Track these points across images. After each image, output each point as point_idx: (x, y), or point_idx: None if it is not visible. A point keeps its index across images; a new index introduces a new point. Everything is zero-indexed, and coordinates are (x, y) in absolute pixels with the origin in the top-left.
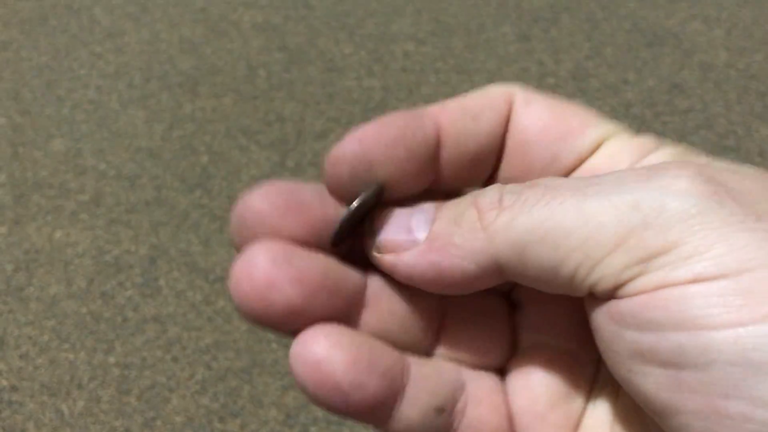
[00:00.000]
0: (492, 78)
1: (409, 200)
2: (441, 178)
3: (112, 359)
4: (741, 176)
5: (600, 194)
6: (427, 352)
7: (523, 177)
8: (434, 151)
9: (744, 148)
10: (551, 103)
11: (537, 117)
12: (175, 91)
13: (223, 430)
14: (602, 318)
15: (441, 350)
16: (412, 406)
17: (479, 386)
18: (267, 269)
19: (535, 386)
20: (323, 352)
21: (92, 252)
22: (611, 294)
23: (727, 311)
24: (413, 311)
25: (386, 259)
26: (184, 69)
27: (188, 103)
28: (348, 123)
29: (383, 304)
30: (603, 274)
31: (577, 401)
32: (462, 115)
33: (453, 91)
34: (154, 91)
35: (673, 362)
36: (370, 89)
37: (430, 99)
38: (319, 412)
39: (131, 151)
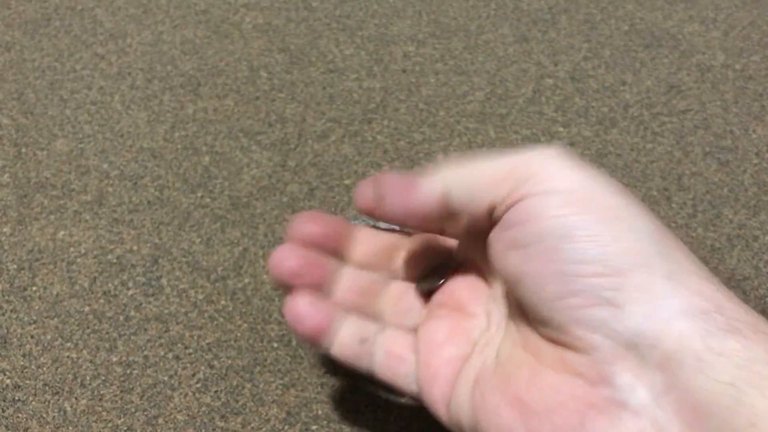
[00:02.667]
0: (492, 79)
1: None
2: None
3: (114, 358)
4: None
5: (488, 159)
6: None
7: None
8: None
9: (741, 148)
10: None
11: None
12: (178, 92)
13: (224, 428)
14: (495, 231)
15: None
16: (343, 336)
17: (394, 333)
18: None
19: (435, 329)
20: (300, 306)
21: (95, 251)
22: (501, 213)
23: (558, 210)
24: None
25: None
26: (186, 70)
27: (190, 103)
28: (348, 123)
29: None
30: (494, 201)
31: (467, 342)
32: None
33: (452, 92)
34: (157, 92)
35: (523, 244)
36: (371, 90)
37: (430, 99)
38: (320, 410)
39: (134, 151)
